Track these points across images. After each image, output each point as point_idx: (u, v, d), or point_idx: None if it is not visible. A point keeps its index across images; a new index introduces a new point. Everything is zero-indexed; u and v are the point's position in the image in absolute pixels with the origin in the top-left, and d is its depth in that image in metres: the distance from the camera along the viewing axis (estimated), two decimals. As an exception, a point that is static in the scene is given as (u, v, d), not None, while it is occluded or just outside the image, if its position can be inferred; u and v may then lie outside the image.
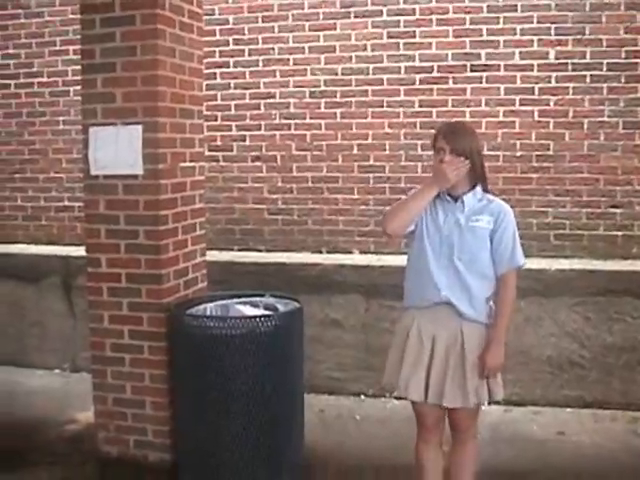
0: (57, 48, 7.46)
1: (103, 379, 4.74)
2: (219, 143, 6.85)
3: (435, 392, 3.76)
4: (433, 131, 3.93)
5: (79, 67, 6.83)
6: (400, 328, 3.91)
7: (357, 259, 6.42)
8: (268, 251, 6.80)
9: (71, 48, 7.35)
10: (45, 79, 7.51)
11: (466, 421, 3.89)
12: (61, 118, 7.44)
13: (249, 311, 4.49)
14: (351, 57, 6.59)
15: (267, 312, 4.48)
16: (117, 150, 4.46)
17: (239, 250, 6.87)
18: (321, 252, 6.69)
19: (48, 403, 6.14)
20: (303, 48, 6.69)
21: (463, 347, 3.74)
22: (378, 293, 6.06)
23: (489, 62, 6.34)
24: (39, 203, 7.60)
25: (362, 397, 6.17)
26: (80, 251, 6.63)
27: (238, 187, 6.92)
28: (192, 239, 4.80)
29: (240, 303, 4.62)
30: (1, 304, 7.18)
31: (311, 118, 6.69)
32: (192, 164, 4.78)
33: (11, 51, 7.65)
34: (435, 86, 6.45)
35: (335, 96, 6.63)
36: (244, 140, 6.88)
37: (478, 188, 3.84)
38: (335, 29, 6.61)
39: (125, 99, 4.46)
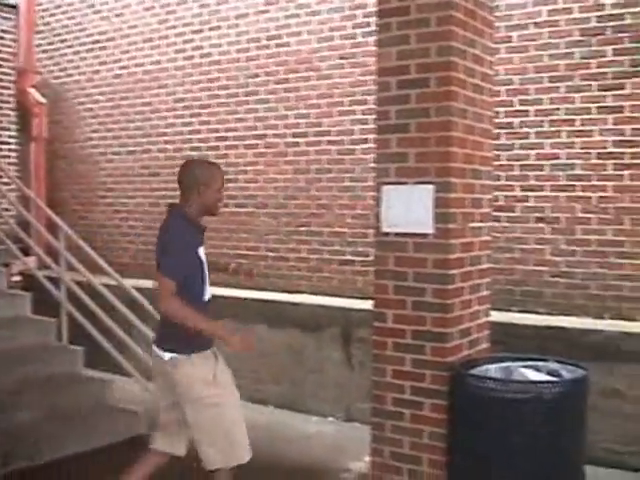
0: (345, 108, 7.77)
1: (382, 432, 4.78)
2: (502, 203, 6.82)
3: None
4: None
5: (366, 127, 7.27)
6: None
7: (643, 327, 6.16)
8: (548, 314, 6.67)
9: (358, 108, 7.65)
10: (333, 138, 7.85)
11: None
12: (347, 175, 7.71)
13: (533, 375, 4.39)
14: (641, 118, 6.39)
15: (552, 378, 4.36)
16: (409, 209, 4.54)
17: (518, 312, 6.78)
18: (603, 318, 6.47)
19: (322, 450, 6.29)
20: (590, 108, 6.57)
21: None
22: (666, 364, 5.78)
23: None
24: (322, 256, 7.92)
25: (642, 473, 5.87)
26: (360, 304, 6.85)
27: (520, 248, 6.86)
28: (477, 299, 4.78)
29: (523, 367, 4.53)
30: (283, 350, 7.50)
31: (597, 180, 6.53)
32: (480, 224, 4.78)
33: (302, 111, 8.08)
34: None
35: (623, 158, 6.43)
36: (527, 201, 6.83)
37: None
38: (624, 89, 6.43)
39: (418, 159, 4.54)
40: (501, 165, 6.77)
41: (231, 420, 4.41)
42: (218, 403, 4.37)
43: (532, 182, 6.81)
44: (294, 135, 8.13)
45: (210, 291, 4.46)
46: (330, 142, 7.87)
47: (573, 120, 6.63)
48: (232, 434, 4.40)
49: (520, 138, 6.85)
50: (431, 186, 4.48)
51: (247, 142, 8.50)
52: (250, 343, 4.32)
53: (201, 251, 4.41)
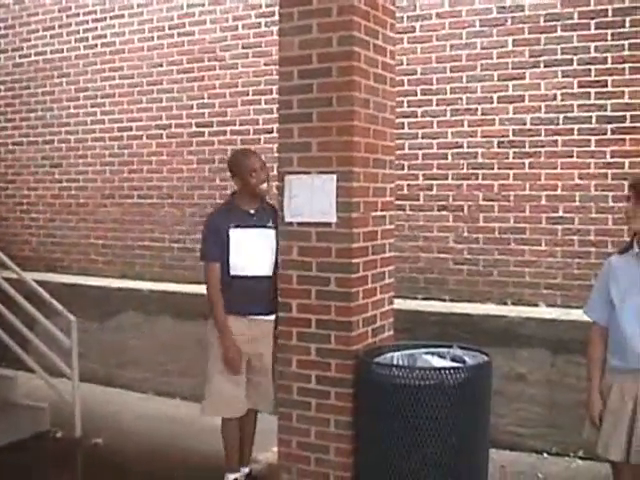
0: (250, 98, 7.73)
1: (289, 422, 4.76)
2: (406, 192, 6.88)
3: (639, 452, 3.69)
4: (625, 182, 3.89)
5: (270, 116, 7.23)
6: (603, 386, 3.88)
7: (543, 312, 6.28)
8: (452, 301, 6.76)
9: (263, 98, 7.61)
10: (238, 127, 7.79)
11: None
12: (252, 165, 7.66)
13: (437, 362, 4.43)
14: (540, 107, 6.50)
15: (455, 364, 4.41)
16: (312, 198, 4.53)
17: (423, 299, 6.85)
18: (506, 304, 6.58)
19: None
20: (491, 98, 6.67)
21: None
22: (565, 348, 5.89)
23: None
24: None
25: (545, 455, 5.98)
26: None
27: (424, 236, 6.93)
28: (381, 287, 4.80)
29: (427, 353, 4.57)
30: (189, 342, 7.40)
31: (499, 168, 6.63)
32: (383, 213, 4.80)
33: (206, 100, 8.00)
34: (628, 136, 6.25)
35: (524, 146, 6.55)
36: (431, 189, 6.90)
37: None
38: (524, 79, 6.55)
39: (320, 149, 4.53)
40: (405, 154, 6.83)
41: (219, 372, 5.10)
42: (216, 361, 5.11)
43: (435, 171, 6.87)
44: (198, 125, 8.05)
45: (255, 268, 5.04)
46: (234, 132, 7.82)
47: (475, 109, 6.73)
48: (214, 384, 5.14)
49: (423, 127, 6.91)
50: (334, 175, 4.47)
51: (150, 132, 8.38)
52: (235, 363, 5.06)
53: (238, 232, 5.03)
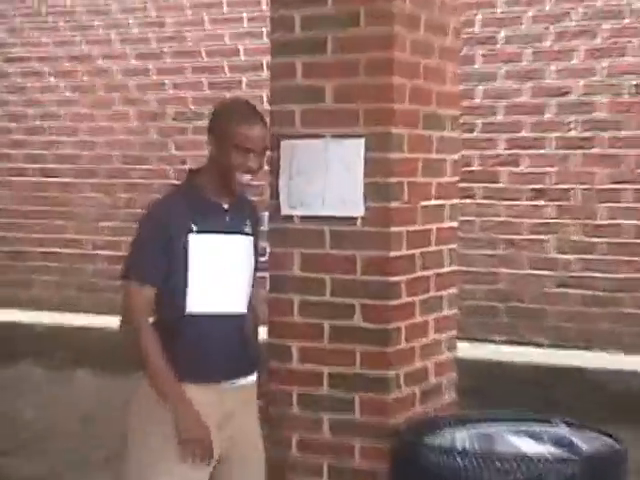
0: (224, 14, 7.80)
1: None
2: (477, 168, 6.86)
3: None
4: None
5: (258, 43, 7.28)
6: None
7: None
8: (552, 347, 6.75)
9: (245, 13, 7.69)
10: (205, 60, 7.88)
11: None
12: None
13: (528, 446, 4.46)
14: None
15: (561, 451, 4.43)
16: (324, 177, 4.58)
17: (504, 342, 6.86)
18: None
19: None
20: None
21: None
22: None
23: None
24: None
25: None
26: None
27: (506, 239, 6.93)
28: (436, 323, 4.84)
29: (513, 432, 4.61)
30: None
31: (634, 128, 6.65)
32: (440, 202, 4.85)
33: (152, 17, 8.09)
34: None
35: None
36: (517, 164, 6.92)
37: None
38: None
39: (339, 97, 4.56)
40: (476, 106, 6.83)
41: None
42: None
43: (525, 133, 6.88)
44: (139, 57, 8.09)
45: (230, 302, 4.46)
46: (200, 68, 7.89)
47: (591, 29, 6.73)
48: None
49: (506, 61, 6.92)
50: (361, 140, 4.50)
51: (60, 66, 8.41)
52: (205, 449, 4.32)
53: (203, 239, 4.43)
